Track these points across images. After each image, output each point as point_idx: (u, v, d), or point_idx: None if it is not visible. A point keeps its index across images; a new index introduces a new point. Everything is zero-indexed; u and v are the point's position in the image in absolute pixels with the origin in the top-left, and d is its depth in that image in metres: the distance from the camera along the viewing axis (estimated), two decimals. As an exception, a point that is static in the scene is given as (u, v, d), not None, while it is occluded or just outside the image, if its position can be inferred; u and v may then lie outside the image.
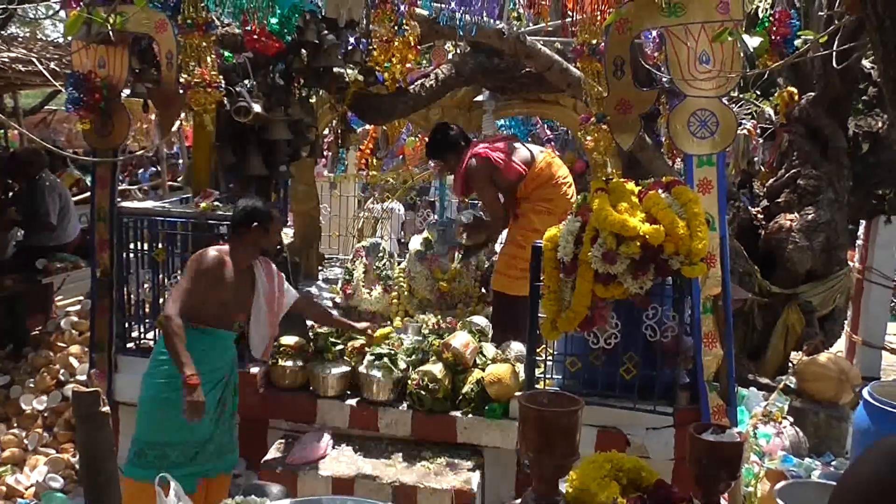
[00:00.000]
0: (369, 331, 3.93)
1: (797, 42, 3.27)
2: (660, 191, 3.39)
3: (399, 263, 5.30)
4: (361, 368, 3.92)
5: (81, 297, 5.56)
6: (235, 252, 3.45)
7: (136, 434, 3.38)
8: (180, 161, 10.51)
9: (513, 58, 4.72)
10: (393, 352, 3.96)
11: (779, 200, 5.67)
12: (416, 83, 4.82)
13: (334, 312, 3.91)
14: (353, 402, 3.94)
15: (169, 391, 3.25)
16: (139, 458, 3.29)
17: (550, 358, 3.78)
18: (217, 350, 3.42)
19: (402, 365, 3.94)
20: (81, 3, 3.79)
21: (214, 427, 3.37)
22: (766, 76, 6.25)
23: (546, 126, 7.67)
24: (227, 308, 3.44)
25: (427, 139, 4.99)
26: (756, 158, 6.47)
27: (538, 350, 3.82)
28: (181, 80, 3.86)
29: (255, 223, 3.42)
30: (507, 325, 4.38)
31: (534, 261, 3.62)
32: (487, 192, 4.68)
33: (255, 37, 3.87)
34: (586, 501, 2.15)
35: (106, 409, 1.80)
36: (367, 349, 3.98)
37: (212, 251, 3.41)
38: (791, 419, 4.14)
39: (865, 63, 5.57)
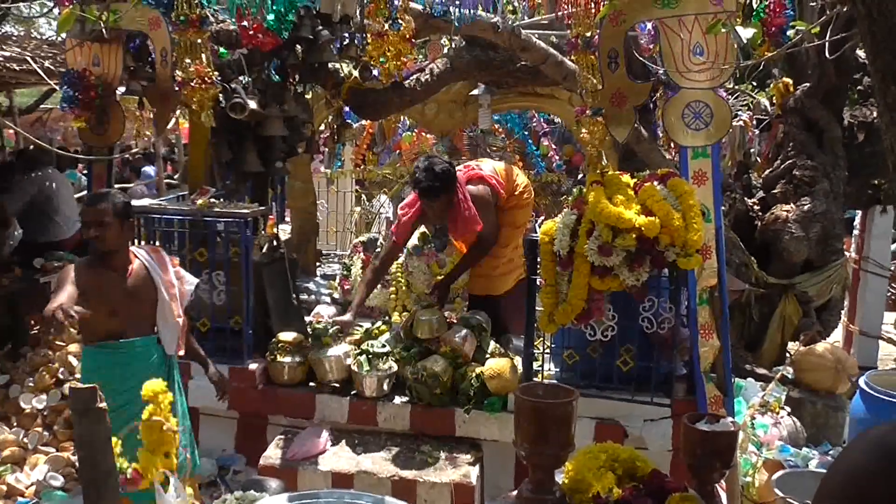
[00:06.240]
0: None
1: (790, 33, 3.27)
2: (655, 183, 3.41)
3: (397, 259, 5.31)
4: (353, 366, 3.94)
5: (80, 296, 5.56)
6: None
7: None
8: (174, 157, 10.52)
9: (508, 51, 4.72)
10: (384, 348, 3.98)
11: (775, 191, 5.68)
12: (411, 78, 4.81)
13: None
14: (351, 397, 3.96)
15: None
16: None
17: (548, 351, 3.79)
18: (134, 362, 3.09)
19: (391, 361, 3.95)
20: (74, 1, 3.79)
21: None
22: (761, 67, 6.25)
23: (542, 119, 7.66)
24: (121, 315, 3.07)
25: (423, 178, 4.02)
26: (752, 150, 6.48)
27: (536, 343, 3.83)
28: (176, 77, 3.86)
29: None
30: (497, 321, 4.37)
31: (530, 254, 3.63)
32: (491, 216, 4.29)
33: (251, 33, 3.87)
34: (582, 492, 2.16)
35: (103, 404, 1.81)
36: (360, 346, 4.01)
37: (73, 263, 3.12)
38: (788, 409, 4.15)
39: (860, 53, 5.57)
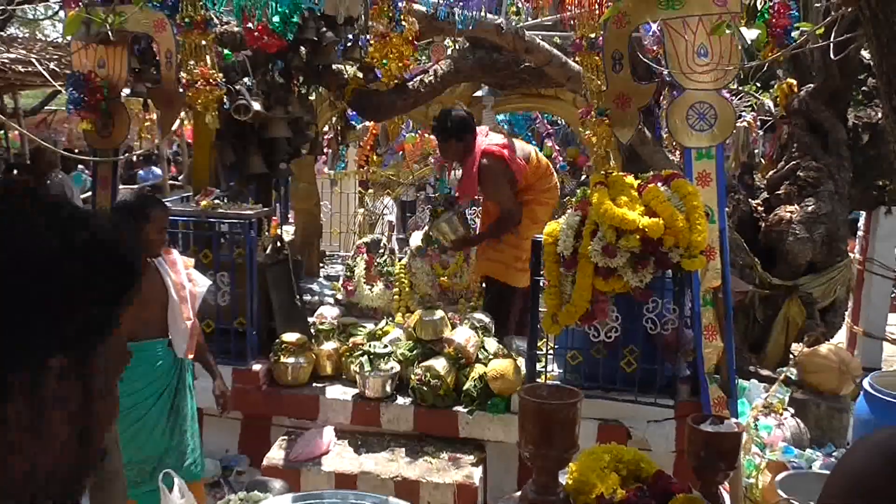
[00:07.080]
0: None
1: (794, 34, 3.27)
2: (659, 184, 3.40)
3: (400, 260, 5.31)
4: (354, 366, 3.94)
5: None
6: None
7: None
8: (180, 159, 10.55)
9: (512, 53, 4.72)
10: (389, 349, 3.98)
11: (779, 192, 5.67)
12: (415, 79, 4.82)
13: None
14: (355, 397, 3.96)
15: None
16: None
17: (552, 352, 3.79)
18: (141, 364, 3.01)
19: (394, 362, 3.95)
20: (80, 4, 3.81)
21: (169, 439, 3.10)
22: (765, 68, 6.25)
23: (546, 121, 7.67)
24: (128, 318, 3.04)
25: (439, 122, 4.55)
26: (756, 151, 6.47)
27: (539, 344, 3.83)
28: (181, 79, 3.87)
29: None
30: (505, 315, 4.40)
31: (534, 255, 3.64)
32: (505, 191, 4.51)
33: (256, 35, 3.88)
34: (586, 493, 2.16)
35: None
36: (363, 346, 4.02)
37: None
38: (792, 411, 4.14)
39: (864, 54, 5.56)
